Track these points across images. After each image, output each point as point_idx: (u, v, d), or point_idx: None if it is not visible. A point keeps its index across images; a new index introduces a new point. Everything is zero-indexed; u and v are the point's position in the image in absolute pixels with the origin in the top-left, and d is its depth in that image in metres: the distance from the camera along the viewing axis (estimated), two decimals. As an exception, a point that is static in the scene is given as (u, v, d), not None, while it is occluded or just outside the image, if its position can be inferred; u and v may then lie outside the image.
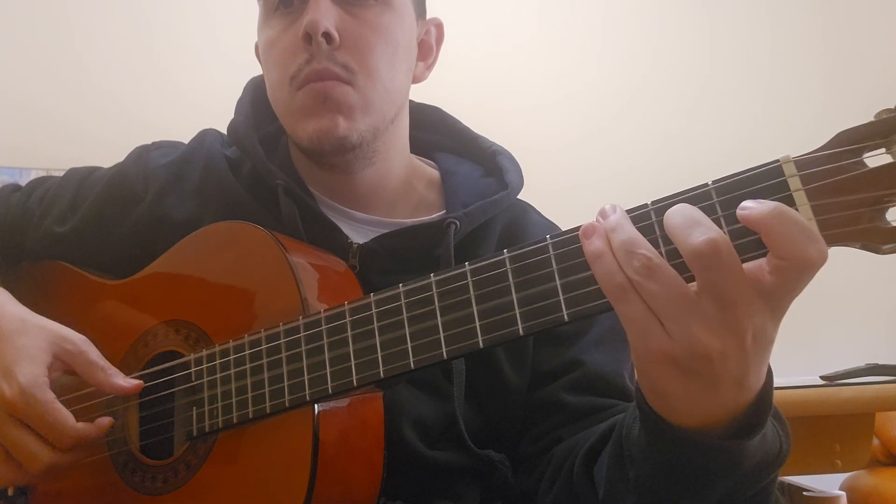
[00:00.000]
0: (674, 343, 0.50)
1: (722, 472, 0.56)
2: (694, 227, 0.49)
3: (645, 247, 0.51)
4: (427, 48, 0.95)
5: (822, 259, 0.48)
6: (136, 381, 0.77)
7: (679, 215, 0.50)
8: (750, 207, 0.49)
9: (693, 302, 0.49)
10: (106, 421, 0.77)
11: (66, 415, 0.73)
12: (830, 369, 1.45)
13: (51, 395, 0.73)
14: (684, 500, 0.58)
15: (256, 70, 0.99)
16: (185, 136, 0.99)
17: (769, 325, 0.50)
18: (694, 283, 0.50)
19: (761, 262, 0.49)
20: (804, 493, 1.53)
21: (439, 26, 0.96)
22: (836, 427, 1.44)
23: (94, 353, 0.77)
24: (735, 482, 0.57)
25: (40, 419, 0.72)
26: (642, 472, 0.60)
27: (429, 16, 0.96)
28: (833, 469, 1.47)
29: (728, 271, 0.48)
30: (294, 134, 0.86)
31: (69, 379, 0.79)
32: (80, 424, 0.74)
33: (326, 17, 0.80)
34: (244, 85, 0.98)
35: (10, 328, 0.77)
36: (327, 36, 0.80)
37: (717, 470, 0.55)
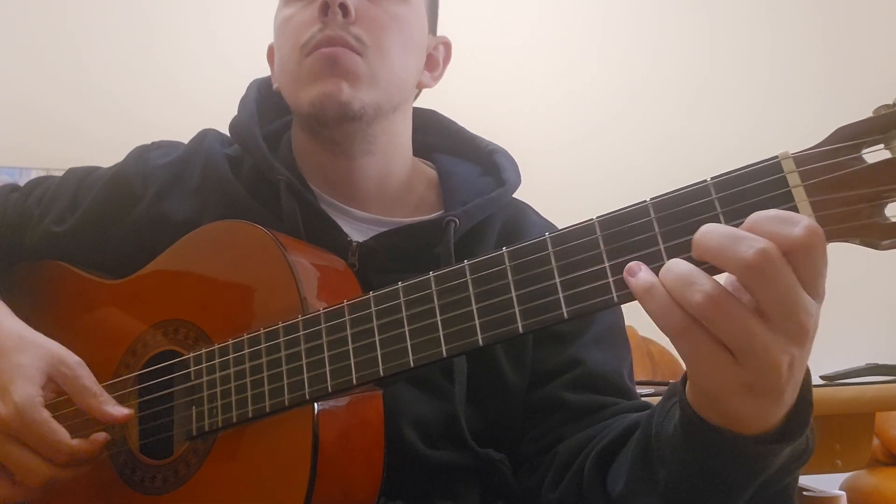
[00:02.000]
0: (747, 370, 0.48)
1: (758, 473, 0.55)
2: (738, 242, 0.47)
3: (706, 278, 0.48)
4: (434, 62, 0.97)
5: (813, 232, 0.47)
6: (127, 410, 0.77)
7: (714, 235, 0.48)
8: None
9: (761, 324, 0.48)
10: (101, 437, 0.76)
11: (60, 432, 0.73)
12: (830, 369, 1.45)
13: (46, 414, 0.73)
14: (714, 502, 0.58)
15: (256, 69, 0.99)
16: (185, 136, 0.99)
17: (818, 314, 0.49)
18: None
19: None
20: (804, 493, 1.53)
21: (447, 45, 0.98)
22: (837, 427, 1.43)
23: (87, 377, 0.77)
24: (765, 480, 0.56)
25: (36, 438, 0.72)
26: (675, 474, 0.59)
27: (441, 35, 0.98)
28: (833, 469, 1.47)
29: (785, 277, 0.47)
30: (297, 101, 0.86)
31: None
32: (76, 441, 0.74)
33: None
34: (246, 85, 0.98)
35: (7, 345, 0.77)
36: (344, 8, 0.82)
37: (754, 472, 0.55)
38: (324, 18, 0.82)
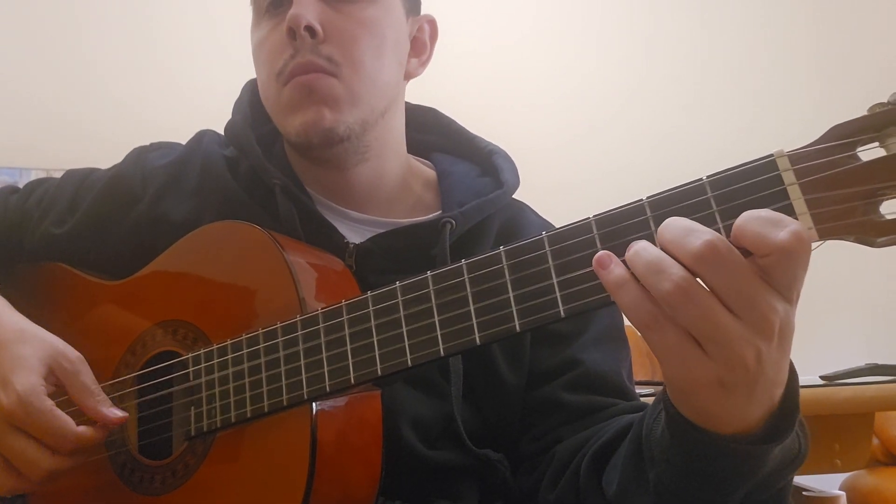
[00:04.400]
0: (716, 364, 0.49)
1: (747, 475, 0.55)
2: (688, 235, 0.48)
3: (675, 266, 0.48)
4: (420, 45, 0.95)
5: (798, 238, 0.47)
6: (123, 413, 0.76)
7: (671, 229, 0.49)
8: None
9: (726, 313, 0.48)
10: (109, 420, 0.76)
11: (66, 420, 0.73)
12: (830, 369, 1.45)
13: (49, 403, 0.73)
14: (705, 503, 0.58)
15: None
16: (185, 136, 0.99)
17: (791, 312, 0.50)
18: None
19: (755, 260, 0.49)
20: (804, 492, 1.53)
21: (432, 23, 0.97)
22: (836, 427, 1.43)
23: (87, 374, 0.77)
24: (756, 483, 0.56)
25: (40, 426, 0.72)
26: (665, 475, 0.59)
27: (425, 13, 0.96)
28: (833, 469, 1.47)
29: (735, 268, 0.47)
30: (283, 129, 0.87)
31: None
32: (81, 428, 0.73)
33: (308, 10, 0.81)
34: (242, 86, 0.98)
35: (8, 337, 0.77)
36: (310, 30, 0.81)
37: (743, 474, 0.55)
38: (293, 43, 0.82)
